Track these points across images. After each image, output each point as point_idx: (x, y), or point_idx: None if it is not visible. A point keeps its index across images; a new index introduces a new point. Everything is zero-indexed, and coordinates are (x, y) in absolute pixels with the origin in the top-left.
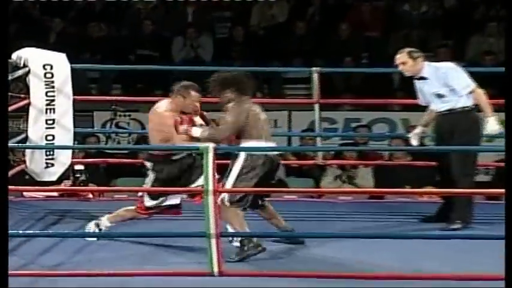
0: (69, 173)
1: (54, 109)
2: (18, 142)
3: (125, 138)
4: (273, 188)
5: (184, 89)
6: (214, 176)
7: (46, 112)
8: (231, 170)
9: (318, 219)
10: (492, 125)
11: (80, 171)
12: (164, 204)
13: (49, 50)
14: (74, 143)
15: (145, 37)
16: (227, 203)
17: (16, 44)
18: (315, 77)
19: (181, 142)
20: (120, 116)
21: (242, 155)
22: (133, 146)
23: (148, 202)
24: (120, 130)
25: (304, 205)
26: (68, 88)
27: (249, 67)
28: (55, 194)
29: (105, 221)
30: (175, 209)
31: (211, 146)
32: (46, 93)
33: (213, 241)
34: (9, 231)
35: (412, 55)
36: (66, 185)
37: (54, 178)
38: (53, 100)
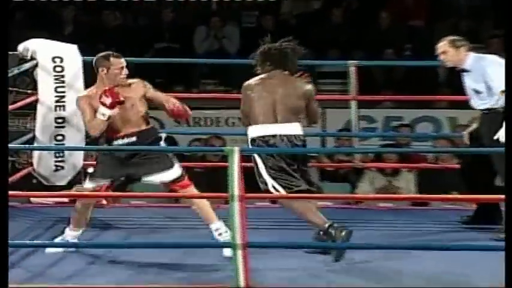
0: (80, 177)
1: (64, 106)
2: (24, 143)
3: None
4: (304, 194)
5: (102, 60)
6: (240, 179)
7: (55, 109)
8: (260, 173)
9: (356, 228)
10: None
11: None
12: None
13: (59, 40)
14: (86, 144)
15: (164, 27)
16: (283, 191)
17: (22, 34)
18: (352, 70)
19: (96, 125)
20: None
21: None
22: (151, 147)
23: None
24: None
25: (340, 212)
26: (80, 83)
27: None
28: (65, 200)
29: (69, 232)
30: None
31: (236, 147)
32: (55, 88)
33: (240, 252)
34: (15, 241)
35: (455, 44)
36: (77, 190)
37: (64, 182)
38: (63, 96)
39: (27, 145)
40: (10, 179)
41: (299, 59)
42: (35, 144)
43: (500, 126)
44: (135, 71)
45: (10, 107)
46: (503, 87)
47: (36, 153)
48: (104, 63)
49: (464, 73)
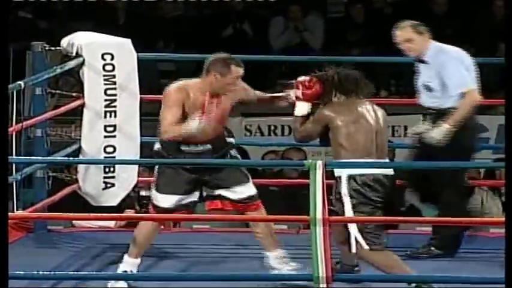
0: (133, 200)
1: (115, 112)
2: (69, 155)
3: None
4: (402, 218)
5: (221, 65)
6: (324, 200)
7: (105, 116)
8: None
9: (463, 258)
10: (437, 132)
11: (147, 196)
12: (184, 202)
13: (110, 34)
14: (140, 156)
15: (233, 18)
16: (366, 246)
17: (65, 27)
18: None
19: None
20: None
21: (343, 180)
22: (220, 160)
23: (163, 202)
24: None
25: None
26: (134, 84)
27: (370, 56)
28: (111, 224)
29: (129, 260)
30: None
31: (320, 161)
32: (105, 91)
33: (323, 287)
34: (57, 272)
35: (419, 29)
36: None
37: (114, 203)
38: (114, 100)
39: (71, 158)
40: (52, 198)
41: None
42: (81, 157)
43: (460, 131)
44: (197, 69)
45: (52, 112)
46: (459, 86)
47: (81, 168)
48: (221, 70)
49: (421, 64)
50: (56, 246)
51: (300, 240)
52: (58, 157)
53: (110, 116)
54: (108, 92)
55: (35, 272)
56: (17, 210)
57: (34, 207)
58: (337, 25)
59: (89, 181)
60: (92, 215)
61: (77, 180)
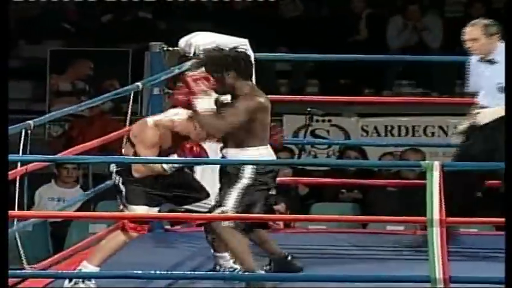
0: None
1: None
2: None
3: (323, 151)
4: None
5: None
6: (441, 201)
7: None
8: (226, 190)
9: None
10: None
11: None
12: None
13: (227, 33)
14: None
15: (353, 18)
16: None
17: (183, 26)
18: None
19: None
20: (317, 121)
21: (248, 171)
22: (336, 160)
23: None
24: (318, 140)
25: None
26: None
27: None
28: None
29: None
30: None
31: (437, 162)
32: None
33: None
34: (173, 272)
35: (488, 30)
36: None
37: None
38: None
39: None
40: None
41: None
42: None
43: None
44: (316, 71)
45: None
46: None
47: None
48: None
49: (487, 64)
50: (172, 246)
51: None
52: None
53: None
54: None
55: (152, 272)
56: None
57: None
58: (456, 25)
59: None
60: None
61: None
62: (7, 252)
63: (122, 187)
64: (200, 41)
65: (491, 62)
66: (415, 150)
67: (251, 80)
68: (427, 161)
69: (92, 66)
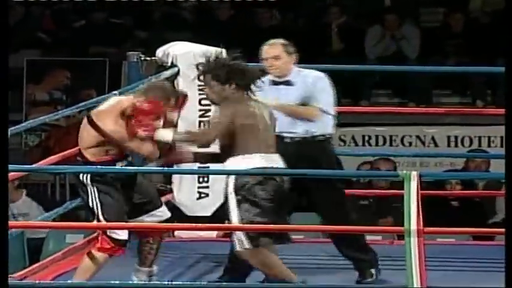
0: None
1: (209, 122)
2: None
3: None
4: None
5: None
6: (418, 211)
7: (199, 126)
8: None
9: None
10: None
11: None
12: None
13: (206, 43)
14: None
15: (327, 27)
16: (248, 245)
17: (160, 36)
18: None
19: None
20: None
21: (230, 185)
22: (313, 170)
23: (120, 234)
24: None
25: None
26: None
27: (466, 66)
28: (213, 234)
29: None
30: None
31: (414, 172)
32: (199, 101)
33: None
34: (153, 283)
35: (289, 49)
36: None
37: (208, 213)
38: (208, 110)
39: (166, 168)
40: None
41: None
42: (175, 167)
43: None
44: None
45: None
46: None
47: (176, 178)
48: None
49: (282, 86)
50: None
51: (394, 251)
52: (152, 167)
53: (204, 126)
54: (203, 102)
55: (130, 282)
56: None
57: None
58: (433, 35)
59: (183, 191)
60: (187, 225)
61: (171, 190)
62: (7, 252)
63: (96, 197)
64: (177, 51)
65: (288, 83)
66: (386, 159)
67: (251, 91)
68: (404, 171)
69: (68, 76)
